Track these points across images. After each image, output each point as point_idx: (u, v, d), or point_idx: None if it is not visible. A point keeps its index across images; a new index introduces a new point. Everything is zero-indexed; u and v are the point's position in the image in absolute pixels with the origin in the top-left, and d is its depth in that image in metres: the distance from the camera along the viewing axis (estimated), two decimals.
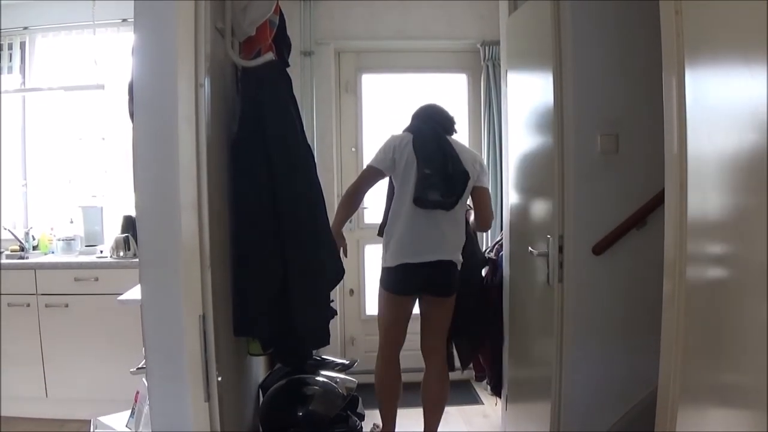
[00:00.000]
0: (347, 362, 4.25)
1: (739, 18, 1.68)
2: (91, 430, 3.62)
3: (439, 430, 4.42)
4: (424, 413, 4.27)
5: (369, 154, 4.34)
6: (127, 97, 2.52)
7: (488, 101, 5.48)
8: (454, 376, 5.64)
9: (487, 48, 5.45)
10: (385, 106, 5.77)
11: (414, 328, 4.25)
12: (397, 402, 4.26)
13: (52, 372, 4.90)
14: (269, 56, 2.81)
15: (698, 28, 1.92)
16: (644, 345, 2.98)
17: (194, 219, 2.20)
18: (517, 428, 4.12)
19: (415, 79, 5.79)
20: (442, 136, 4.06)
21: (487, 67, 5.47)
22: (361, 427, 3.72)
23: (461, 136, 5.72)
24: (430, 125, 4.11)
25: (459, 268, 4.07)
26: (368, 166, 4.06)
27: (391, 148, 4.00)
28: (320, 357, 4.05)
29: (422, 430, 4.31)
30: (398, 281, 4.01)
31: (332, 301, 3.53)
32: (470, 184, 4.02)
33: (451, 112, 4.25)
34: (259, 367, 3.74)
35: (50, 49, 5.74)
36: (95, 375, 4.77)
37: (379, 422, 4.37)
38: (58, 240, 5.41)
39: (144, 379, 2.77)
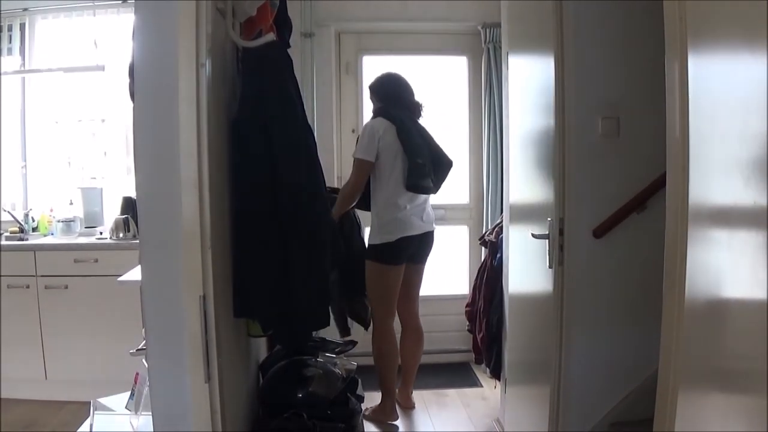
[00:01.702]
0: (347, 343, 4.26)
1: (741, 1, 1.67)
2: (91, 411, 3.62)
3: (437, 413, 4.75)
4: (404, 368, 4.86)
5: None
6: (127, 79, 2.52)
7: (489, 84, 5.47)
8: (452, 358, 5.71)
9: (487, 30, 5.43)
10: None
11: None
12: (396, 369, 4.68)
13: (51, 354, 4.92)
14: (270, 37, 2.79)
15: (701, 11, 1.91)
16: (644, 328, 3.00)
17: (195, 199, 2.19)
18: (517, 411, 4.14)
19: (415, 61, 5.76)
20: (419, 125, 4.60)
21: (488, 49, 5.45)
22: (361, 409, 3.73)
23: (461, 117, 5.77)
24: (406, 113, 4.54)
25: None
26: (362, 161, 4.41)
27: (376, 138, 4.39)
28: (320, 338, 4.05)
29: (403, 391, 4.90)
30: (398, 252, 4.48)
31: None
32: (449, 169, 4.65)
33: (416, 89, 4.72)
34: (258, 349, 3.75)
35: (50, 31, 5.73)
36: (95, 356, 4.79)
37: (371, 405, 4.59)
38: (58, 221, 5.41)
39: (144, 361, 2.77)
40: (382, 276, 4.49)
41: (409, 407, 4.83)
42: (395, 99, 4.55)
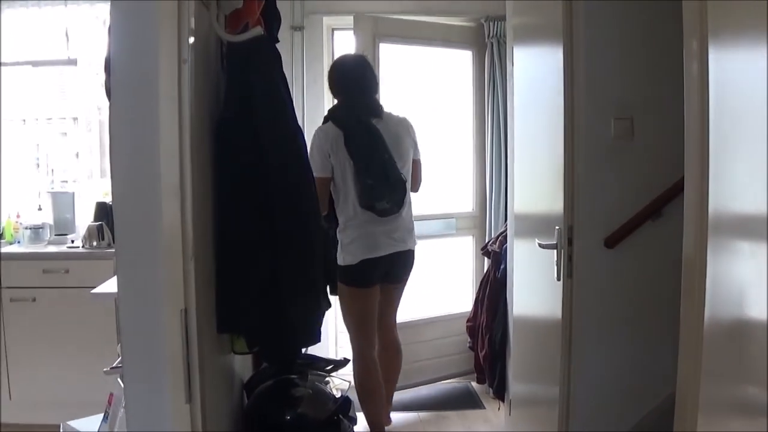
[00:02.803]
0: (339, 361, 4.26)
1: None
2: None
3: None
4: (385, 383, 4.67)
5: None
6: (103, 75, 2.52)
7: (492, 81, 5.48)
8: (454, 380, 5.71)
9: (491, 24, 5.44)
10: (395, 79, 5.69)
11: None
12: (383, 404, 4.56)
13: (16, 373, 4.90)
14: (257, 31, 2.80)
15: (722, 4, 1.92)
16: (659, 345, 3.01)
17: (176, 205, 2.20)
18: None
19: (420, 52, 5.75)
20: (373, 130, 4.23)
21: (492, 44, 5.46)
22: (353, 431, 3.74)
23: (466, 116, 5.75)
24: (359, 115, 4.26)
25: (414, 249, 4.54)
26: (318, 179, 3.94)
27: (325, 151, 4.19)
28: (309, 355, 4.06)
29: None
30: (363, 275, 4.33)
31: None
32: (408, 187, 4.38)
33: (375, 74, 4.49)
34: (243, 367, 3.75)
35: (18, 22, 5.70)
36: (65, 375, 4.76)
37: None
38: (25, 228, 5.39)
39: (119, 380, 2.77)
40: (351, 299, 4.38)
41: (386, 424, 4.73)
42: (355, 94, 4.33)
